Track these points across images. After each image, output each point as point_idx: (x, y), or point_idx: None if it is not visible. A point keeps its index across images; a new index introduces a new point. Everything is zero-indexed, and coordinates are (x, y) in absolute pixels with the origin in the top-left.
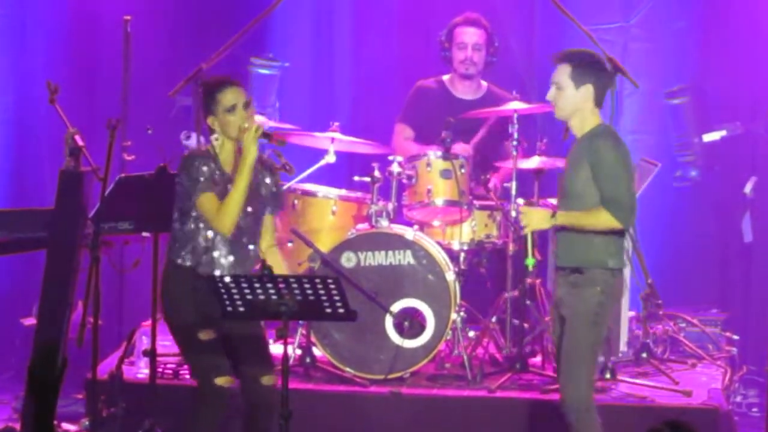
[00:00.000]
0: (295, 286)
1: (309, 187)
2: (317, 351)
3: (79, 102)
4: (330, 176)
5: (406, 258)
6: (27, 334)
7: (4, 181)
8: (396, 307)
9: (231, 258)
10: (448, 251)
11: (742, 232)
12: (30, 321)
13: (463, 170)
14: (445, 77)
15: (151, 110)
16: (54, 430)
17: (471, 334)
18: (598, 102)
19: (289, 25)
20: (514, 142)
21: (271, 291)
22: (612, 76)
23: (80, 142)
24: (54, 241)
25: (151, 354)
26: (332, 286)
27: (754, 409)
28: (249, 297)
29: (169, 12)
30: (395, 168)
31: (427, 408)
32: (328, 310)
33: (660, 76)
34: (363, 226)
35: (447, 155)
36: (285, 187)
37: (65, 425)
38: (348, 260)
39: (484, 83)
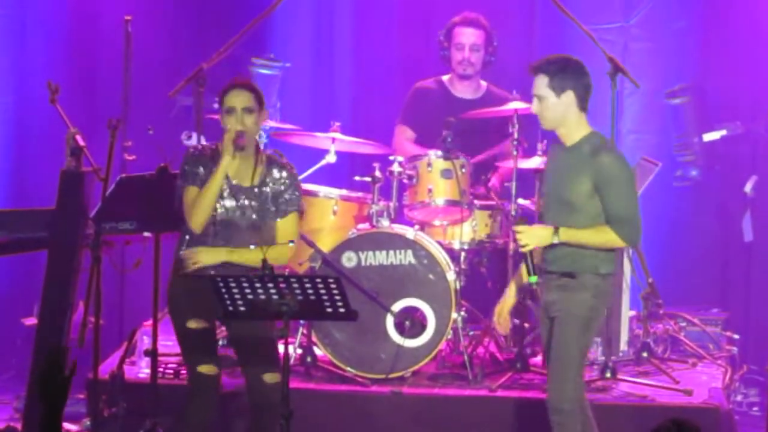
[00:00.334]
0: (296, 285)
1: (310, 187)
2: (318, 350)
3: (80, 102)
4: (331, 176)
5: (407, 258)
6: (28, 334)
7: (5, 181)
8: (397, 306)
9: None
10: (449, 251)
11: (742, 232)
12: (31, 321)
13: (463, 170)
14: (445, 77)
15: (151, 110)
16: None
17: (471, 333)
18: (582, 106)
19: (290, 25)
20: (515, 142)
21: (272, 290)
22: (588, 76)
23: (81, 142)
24: (55, 241)
25: (153, 354)
26: (333, 286)
27: (755, 409)
28: (250, 297)
29: (169, 12)
30: (396, 168)
31: (428, 407)
32: (329, 310)
33: (660, 76)
34: (364, 226)
35: (447, 155)
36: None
37: (67, 425)
38: (349, 260)
39: (483, 83)
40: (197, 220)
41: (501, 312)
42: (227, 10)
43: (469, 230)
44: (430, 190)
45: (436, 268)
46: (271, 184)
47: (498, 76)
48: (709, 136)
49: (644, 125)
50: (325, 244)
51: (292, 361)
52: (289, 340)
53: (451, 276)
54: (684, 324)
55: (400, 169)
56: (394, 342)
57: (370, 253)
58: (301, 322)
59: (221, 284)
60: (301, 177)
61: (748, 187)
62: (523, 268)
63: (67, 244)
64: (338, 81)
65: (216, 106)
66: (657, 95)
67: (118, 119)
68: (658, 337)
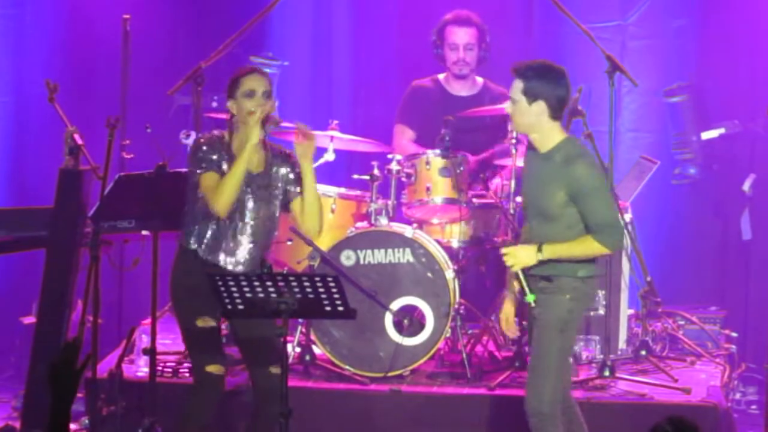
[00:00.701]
0: (294, 284)
1: None
2: (317, 349)
3: (78, 101)
4: (329, 174)
5: (406, 256)
6: (27, 332)
7: (3, 179)
8: (395, 305)
9: (233, 245)
10: (448, 249)
11: (740, 230)
12: (30, 320)
13: (462, 168)
14: (441, 76)
15: (150, 109)
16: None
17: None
18: (555, 116)
19: (288, 23)
20: (513, 141)
21: (271, 289)
22: (566, 88)
23: (79, 141)
24: (54, 239)
25: (151, 352)
26: (332, 285)
27: (753, 407)
28: (248, 295)
29: (168, 11)
30: (394, 166)
31: (427, 405)
32: (328, 308)
33: (659, 74)
34: (362, 225)
35: (446, 153)
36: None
37: None
38: (347, 258)
39: (479, 79)
40: (224, 202)
41: (507, 319)
42: (225, 9)
43: (468, 228)
44: (428, 189)
45: (434, 267)
46: (275, 172)
47: (495, 75)
48: (707, 135)
49: (642, 123)
50: (324, 243)
51: (290, 360)
52: (288, 338)
53: (449, 274)
54: (682, 322)
55: (398, 168)
56: (393, 340)
57: (369, 251)
58: (300, 320)
59: (220, 283)
60: None
61: (746, 186)
62: (515, 283)
63: (65, 243)
64: (336, 79)
65: (215, 104)
66: (655, 93)
67: (116, 118)
68: (656, 336)
